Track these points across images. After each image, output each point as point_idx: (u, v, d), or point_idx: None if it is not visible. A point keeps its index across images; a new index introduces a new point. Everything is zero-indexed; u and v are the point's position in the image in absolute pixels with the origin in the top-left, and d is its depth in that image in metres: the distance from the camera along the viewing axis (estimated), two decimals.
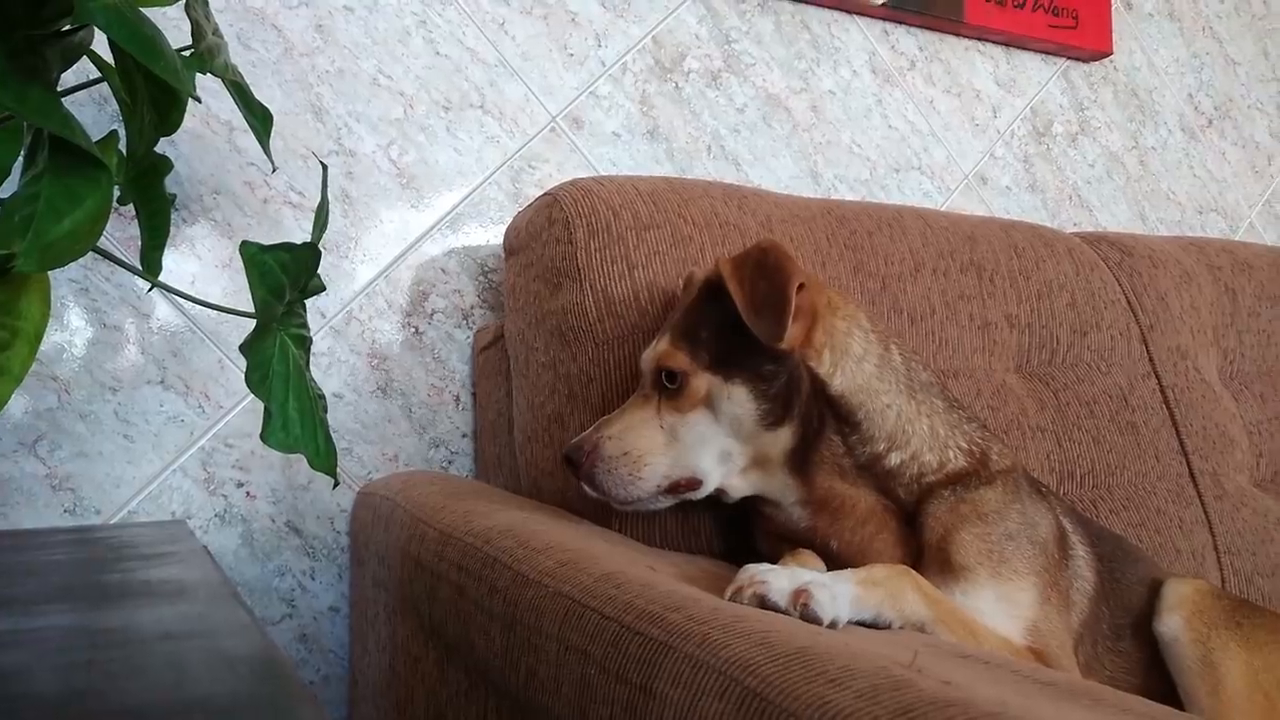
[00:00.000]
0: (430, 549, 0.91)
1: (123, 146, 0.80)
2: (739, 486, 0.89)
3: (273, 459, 1.21)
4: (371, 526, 1.12)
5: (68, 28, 0.69)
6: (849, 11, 1.68)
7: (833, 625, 0.70)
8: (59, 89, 0.72)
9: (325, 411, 0.86)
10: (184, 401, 1.17)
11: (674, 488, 0.88)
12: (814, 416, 0.88)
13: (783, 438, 0.87)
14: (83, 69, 0.81)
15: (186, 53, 0.79)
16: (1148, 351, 1.43)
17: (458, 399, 1.33)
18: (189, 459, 1.17)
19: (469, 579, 0.80)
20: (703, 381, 0.86)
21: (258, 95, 0.87)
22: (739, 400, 0.86)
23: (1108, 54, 1.94)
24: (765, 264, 0.84)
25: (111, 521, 1.13)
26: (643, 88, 1.49)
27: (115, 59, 0.69)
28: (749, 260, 0.85)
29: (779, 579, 0.69)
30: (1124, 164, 2.01)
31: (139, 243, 0.90)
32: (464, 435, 1.33)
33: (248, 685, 0.51)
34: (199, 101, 0.75)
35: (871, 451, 0.88)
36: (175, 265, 1.17)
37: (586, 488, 0.88)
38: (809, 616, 0.68)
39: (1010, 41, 1.85)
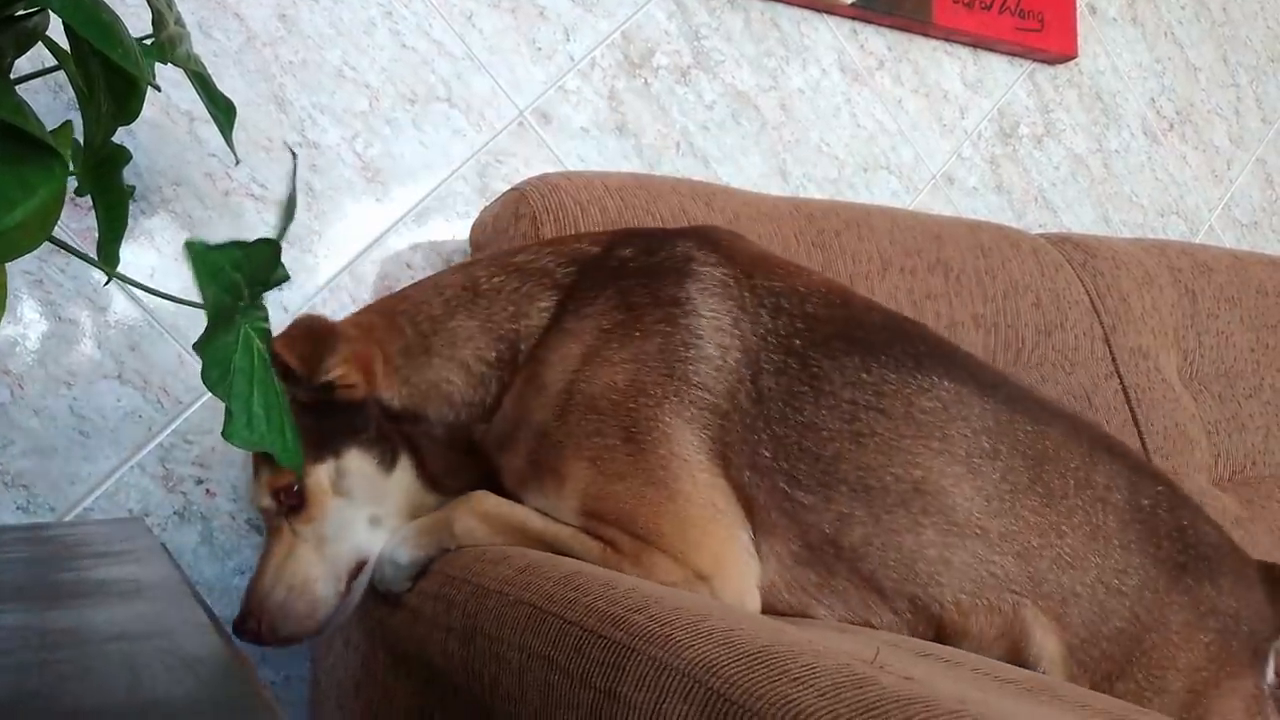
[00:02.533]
0: None
1: (80, 136, 0.78)
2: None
3: (234, 455, 1.19)
4: None
5: (22, 12, 0.67)
6: (818, 10, 1.69)
7: (408, 575, 0.81)
8: (12, 76, 0.70)
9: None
10: (142, 397, 1.15)
11: (351, 579, 0.86)
12: (405, 437, 0.88)
13: (404, 471, 0.88)
14: (37, 56, 0.79)
15: (148, 41, 0.77)
16: (1110, 352, 1.45)
17: None
18: (147, 455, 1.15)
19: (425, 600, 0.79)
20: (320, 472, 0.85)
21: (219, 86, 0.86)
22: (356, 462, 0.86)
23: (1073, 57, 1.96)
24: (308, 327, 0.86)
25: (66, 519, 1.11)
26: (611, 83, 1.49)
27: (71, 45, 0.67)
28: (293, 332, 0.85)
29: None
30: (1088, 166, 2.03)
31: (95, 235, 0.88)
32: None
33: (206, 686, 0.50)
34: (158, 90, 0.74)
35: (454, 427, 0.88)
36: (134, 258, 1.15)
37: (279, 646, 0.86)
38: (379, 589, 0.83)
39: (977, 43, 1.86)
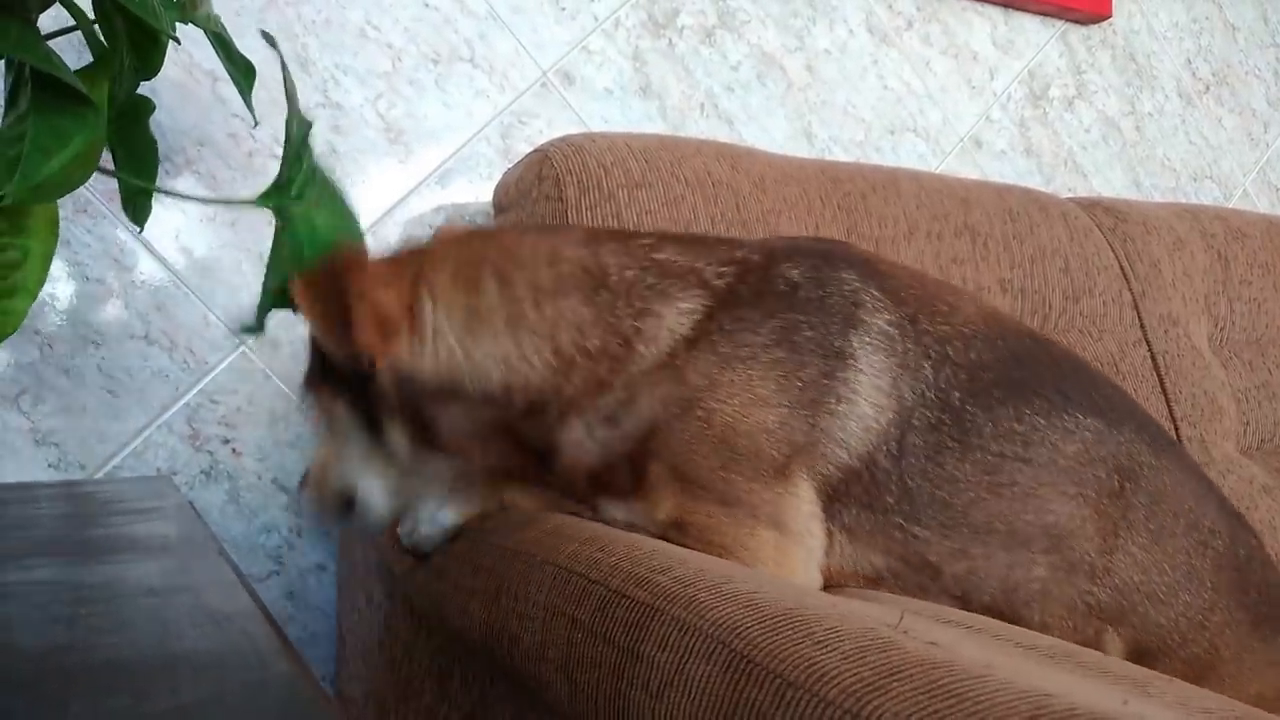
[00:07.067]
0: None
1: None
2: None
3: (259, 416, 1.20)
4: None
5: None
6: None
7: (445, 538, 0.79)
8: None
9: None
10: (168, 357, 1.16)
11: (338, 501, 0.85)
12: (413, 411, 0.79)
13: (396, 446, 0.80)
14: (59, 17, 0.79)
15: None
16: (1139, 318, 1.43)
17: None
18: (174, 415, 1.16)
19: (450, 560, 0.79)
20: (321, 395, 0.83)
21: (240, 45, 0.85)
22: (343, 412, 0.81)
23: (1106, 17, 1.92)
24: (332, 270, 0.76)
25: (96, 477, 1.12)
26: (635, 43, 1.47)
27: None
28: (317, 278, 0.76)
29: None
30: (1120, 129, 1.99)
31: (118, 195, 0.89)
32: None
33: (233, 641, 0.51)
34: (178, 43, 0.73)
35: (505, 413, 0.78)
36: (158, 218, 1.15)
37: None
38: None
39: (1008, 2, 1.82)
